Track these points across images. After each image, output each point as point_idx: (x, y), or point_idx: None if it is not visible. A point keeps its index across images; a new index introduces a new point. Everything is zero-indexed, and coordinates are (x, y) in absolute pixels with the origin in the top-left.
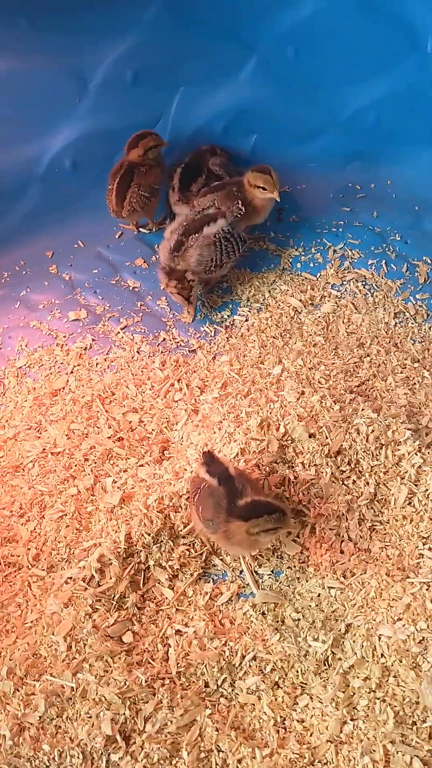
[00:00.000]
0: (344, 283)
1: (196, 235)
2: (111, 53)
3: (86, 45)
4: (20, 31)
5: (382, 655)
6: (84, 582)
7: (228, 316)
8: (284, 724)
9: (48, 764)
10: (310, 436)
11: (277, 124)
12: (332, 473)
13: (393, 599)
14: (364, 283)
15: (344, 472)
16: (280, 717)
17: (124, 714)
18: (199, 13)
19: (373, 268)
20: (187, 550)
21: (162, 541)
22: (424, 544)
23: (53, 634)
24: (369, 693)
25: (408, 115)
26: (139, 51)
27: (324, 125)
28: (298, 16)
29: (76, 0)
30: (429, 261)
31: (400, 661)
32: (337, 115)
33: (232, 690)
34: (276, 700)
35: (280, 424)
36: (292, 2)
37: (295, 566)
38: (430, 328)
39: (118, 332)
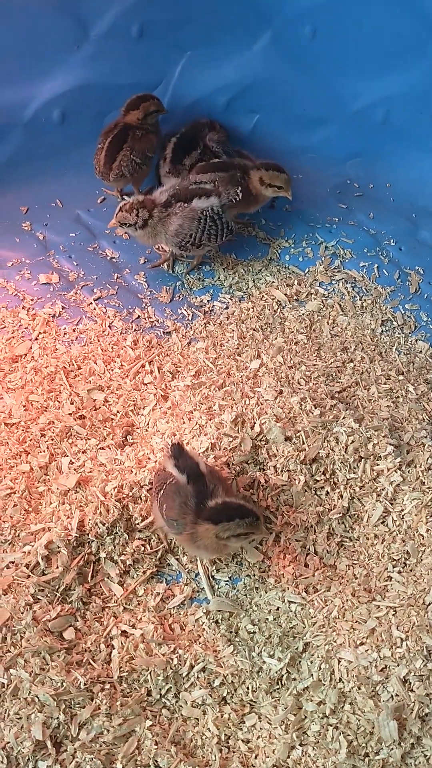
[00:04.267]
0: (333, 282)
1: (184, 204)
2: (119, 1)
3: None
4: None
5: (340, 679)
6: (27, 568)
7: (208, 301)
8: (228, 743)
9: None
10: (286, 439)
11: (281, 107)
12: (305, 481)
13: (357, 621)
14: (353, 285)
15: (318, 481)
16: (225, 735)
17: (57, 718)
18: None
19: (365, 270)
20: (143, 545)
21: (117, 533)
22: (393, 567)
23: None
24: (322, 718)
25: (417, 117)
26: (150, 3)
27: (330, 115)
28: None
29: None
30: (421, 271)
31: (359, 688)
32: (345, 107)
33: (176, 702)
34: (222, 716)
35: (255, 423)
36: None
37: (254, 575)
38: (416, 341)
39: (91, 303)
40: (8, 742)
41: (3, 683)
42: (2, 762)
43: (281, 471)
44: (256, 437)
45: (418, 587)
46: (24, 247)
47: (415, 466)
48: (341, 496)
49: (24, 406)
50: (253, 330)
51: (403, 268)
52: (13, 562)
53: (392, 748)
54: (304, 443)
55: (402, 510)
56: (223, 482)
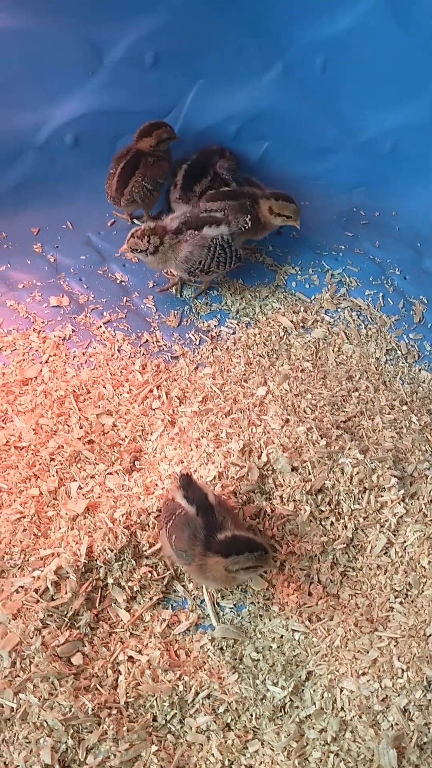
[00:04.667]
0: (338, 310)
1: (195, 231)
2: (134, 30)
3: (110, 16)
4: None
5: (342, 708)
6: (36, 593)
7: (215, 326)
8: None
9: None
10: (292, 469)
11: (291, 135)
12: (311, 512)
13: (359, 651)
14: (358, 313)
15: (323, 512)
16: (229, 760)
17: (65, 743)
18: (232, 4)
19: (370, 299)
20: (150, 571)
21: (124, 560)
22: (395, 597)
23: None
24: (324, 746)
25: (423, 148)
26: (164, 33)
27: (338, 144)
28: (333, 28)
29: None
30: (425, 301)
31: (360, 717)
32: (354, 137)
33: (181, 727)
34: (225, 742)
35: (262, 452)
36: (330, 12)
37: (259, 602)
38: (420, 370)
39: (100, 326)
40: (17, 766)
41: (12, 708)
42: None
43: (287, 501)
44: (263, 467)
45: (419, 618)
46: (35, 269)
47: (418, 498)
48: (345, 527)
49: (34, 430)
50: (260, 356)
51: (408, 297)
52: (22, 587)
53: None
54: (310, 474)
55: (404, 542)
56: (232, 514)
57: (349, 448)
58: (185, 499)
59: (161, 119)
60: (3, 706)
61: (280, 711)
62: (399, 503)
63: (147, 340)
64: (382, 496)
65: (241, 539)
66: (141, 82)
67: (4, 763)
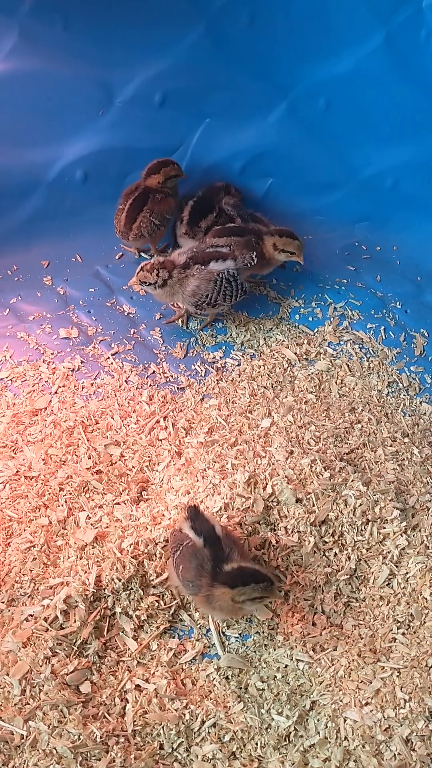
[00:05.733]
0: (341, 342)
1: (201, 266)
2: (143, 72)
3: (120, 58)
4: (55, 30)
5: (345, 738)
6: (46, 622)
7: (220, 357)
8: None
9: None
10: (297, 501)
11: (294, 172)
12: (315, 543)
13: (362, 681)
14: (360, 346)
15: (327, 543)
16: None
17: None
18: (239, 47)
19: (372, 332)
20: (157, 601)
21: (132, 589)
22: (398, 629)
23: (8, 674)
24: None
25: (424, 185)
26: (173, 74)
27: (341, 181)
28: (335, 70)
29: (119, 10)
30: (426, 334)
31: (363, 747)
32: (356, 174)
33: (188, 755)
34: None
35: (267, 484)
36: (332, 55)
37: (264, 632)
38: (421, 403)
39: (108, 357)
40: None
41: (23, 735)
42: None
43: (292, 532)
44: (268, 498)
45: (421, 649)
46: (45, 301)
47: (420, 530)
48: (349, 558)
49: (43, 460)
50: (264, 388)
51: (409, 330)
52: (32, 615)
53: None
54: (314, 505)
55: (407, 573)
56: (238, 545)
57: (353, 480)
58: (193, 530)
59: (169, 157)
60: (13, 734)
61: (285, 740)
62: (401, 535)
63: (154, 371)
64: (384, 528)
65: (247, 571)
66: (149, 120)
67: None
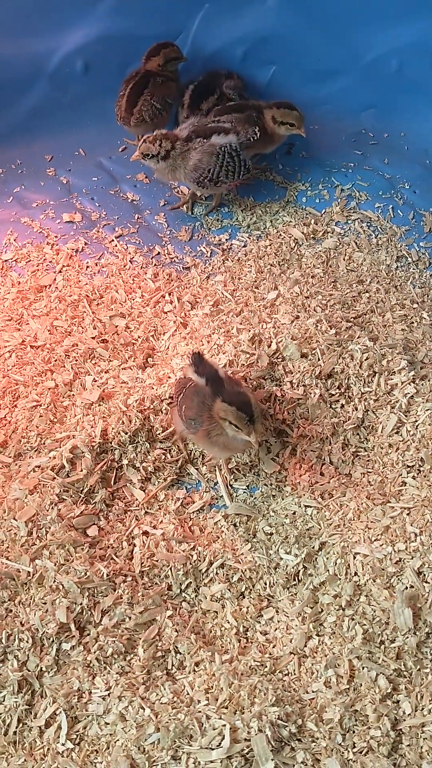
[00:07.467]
0: (349, 221)
1: (204, 140)
2: None
3: None
4: None
5: (355, 573)
6: (53, 471)
7: (226, 239)
8: (246, 634)
9: None
10: (302, 356)
11: (297, 59)
12: (321, 395)
13: (371, 521)
14: (368, 224)
15: (333, 395)
16: (243, 627)
17: (81, 604)
18: None
19: (380, 211)
20: (163, 454)
21: (138, 442)
22: (408, 473)
23: (14, 518)
24: (338, 610)
25: (430, 67)
26: None
27: (345, 66)
28: None
29: None
30: None
31: (374, 581)
32: (360, 58)
33: (196, 596)
34: (240, 609)
35: (272, 341)
36: None
37: (271, 484)
38: (431, 276)
39: (112, 240)
40: (33, 624)
41: (29, 572)
42: (27, 641)
43: (297, 386)
44: (273, 355)
45: None
46: (48, 190)
47: (429, 380)
48: (356, 409)
49: (49, 331)
50: (271, 265)
51: (418, 209)
52: (39, 466)
53: (407, 636)
54: (319, 360)
55: (416, 420)
56: (241, 387)
57: (359, 337)
58: (196, 373)
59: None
60: (20, 571)
61: (294, 579)
62: (409, 384)
63: (159, 253)
64: (392, 379)
65: (243, 398)
66: (149, 6)
67: (21, 622)
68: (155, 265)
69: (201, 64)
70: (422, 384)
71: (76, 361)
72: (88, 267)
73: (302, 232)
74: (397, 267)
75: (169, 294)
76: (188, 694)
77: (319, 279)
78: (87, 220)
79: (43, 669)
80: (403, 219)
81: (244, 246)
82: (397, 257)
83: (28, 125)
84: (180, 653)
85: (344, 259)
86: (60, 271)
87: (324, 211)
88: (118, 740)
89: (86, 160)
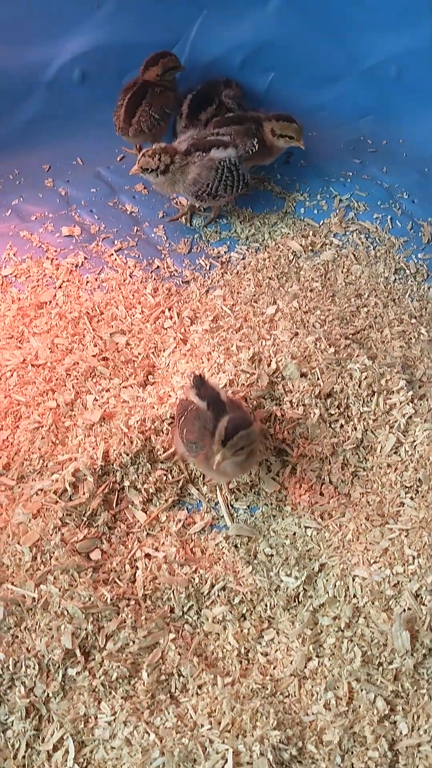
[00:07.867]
0: (347, 233)
1: (203, 153)
2: None
3: None
4: None
5: (354, 595)
6: (55, 495)
7: (225, 252)
8: (248, 655)
9: (1, 673)
10: (301, 375)
11: (296, 65)
12: (320, 414)
13: (370, 543)
14: (367, 235)
15: (333, 414)
16: (245, 648)
17: (85, 629)
18: None
19: (378, 222)
20: (165, 475)
21: (140, 463)
22: (406, 493)
23: (18, 543)
24: (338, 632)
25: (429, 73)
26: None
27: (343, 72)
28: None
29: None
30: None
31: (373, 603)
32: (358, 64)
33: (198, 618)
34: (242, 631)
35: (272, 360)
36: None
37: (272, 504)
38: (429, 288)
39: (112, 254)
40: (39, 650)
41: (34, 598)
42: (34, 668)
43: (297, 405)
44: (273, 374)
45: (430, 511)
46: (47, 202)
47: (427, 400)
48: (355, 429)
49: (50, 349)
50: (269, 279)
51: (416, 219)
52: (41, 489)
53: (405, 658)
54: (319, 379)
55: (414, 440)
56: (243, 411)
57: (358, 355)
58: (197, 396)
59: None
60: (25, 597)
61: (294, 601)
62: (408, 404)
63: (158, 266)
64: (390, 399)
65: (236, 421)
66: (146, 14)
67: (27, 648)
68: (155, 279)
69: (199, 71)
70: (420, 404)
71: (77, 379)
72: (88, 282)
73: (300, 245)
74: (395, 279)
75: (169, 309)
76: (192, 717)
77: (317, 293)
78: (86, 234)
79: (50, 695)
80: (401, 229)
81: (243, 259)
82: (395, 269)
83: (25, 135)
84: (183, 676)
85: (342, 272)
86: (60, 287)
87: (322, 222)
88: (124, 764)
89: (84, 170)
